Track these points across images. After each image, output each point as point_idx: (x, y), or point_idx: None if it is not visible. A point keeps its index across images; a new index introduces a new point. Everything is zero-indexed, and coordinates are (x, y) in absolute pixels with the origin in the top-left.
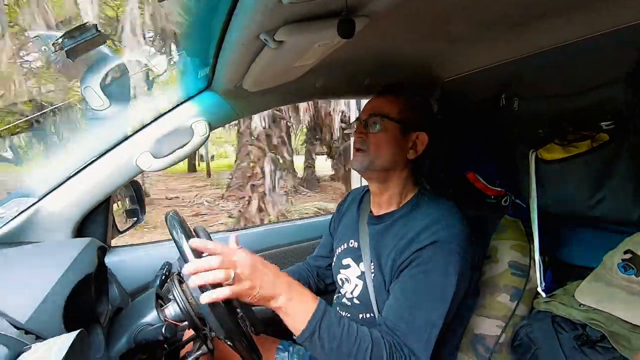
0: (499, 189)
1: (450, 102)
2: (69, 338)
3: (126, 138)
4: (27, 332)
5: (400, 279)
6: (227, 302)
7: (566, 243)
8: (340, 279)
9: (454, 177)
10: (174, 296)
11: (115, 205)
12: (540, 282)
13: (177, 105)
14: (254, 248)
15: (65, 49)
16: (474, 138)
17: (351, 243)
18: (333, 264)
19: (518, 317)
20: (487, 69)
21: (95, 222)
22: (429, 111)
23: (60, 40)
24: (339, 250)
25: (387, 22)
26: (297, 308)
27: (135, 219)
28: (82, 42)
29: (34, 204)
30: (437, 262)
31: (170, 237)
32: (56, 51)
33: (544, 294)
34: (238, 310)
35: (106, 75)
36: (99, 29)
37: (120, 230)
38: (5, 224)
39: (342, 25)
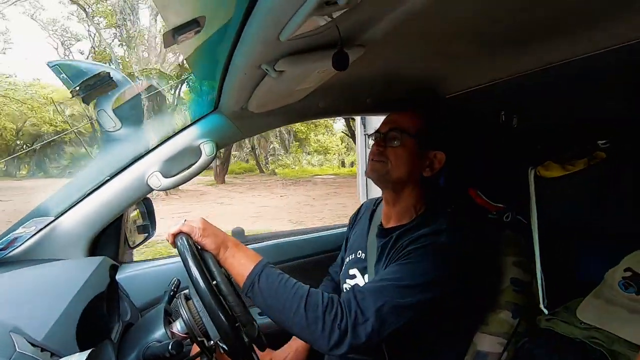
0: (500, 205)
1: (452, 118)
2: (81, 357)
3: (137, 159)
4: (42, 350)
5: (387, 267)
6: (229, 315)
7: (567, 259)
8: (345, 289)
9: (455, 192)
10: (180, 312)
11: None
12: (543, 299)
13: (186, 127)
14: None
15: (82, 95)
16: (475, 154)
17: (359, 254)
18: (341, 273)
19: (520, 334)
20: (487, 86)
21: (108, 239)
22: (448, 130)
23: (77, 88)
24: (347, 260)
25: (384, 47)
26: (241, 259)
27: (147, 234)
28: (96, 89)
29: (50, 222)
30: (424, 259)
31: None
32: (73, 97)
33: (546, 311)
34: (239, 325)
35: (118, 98)
36: (111, 76)
37: (132, 246)
38: (23, 242)
39: (336, 59)
